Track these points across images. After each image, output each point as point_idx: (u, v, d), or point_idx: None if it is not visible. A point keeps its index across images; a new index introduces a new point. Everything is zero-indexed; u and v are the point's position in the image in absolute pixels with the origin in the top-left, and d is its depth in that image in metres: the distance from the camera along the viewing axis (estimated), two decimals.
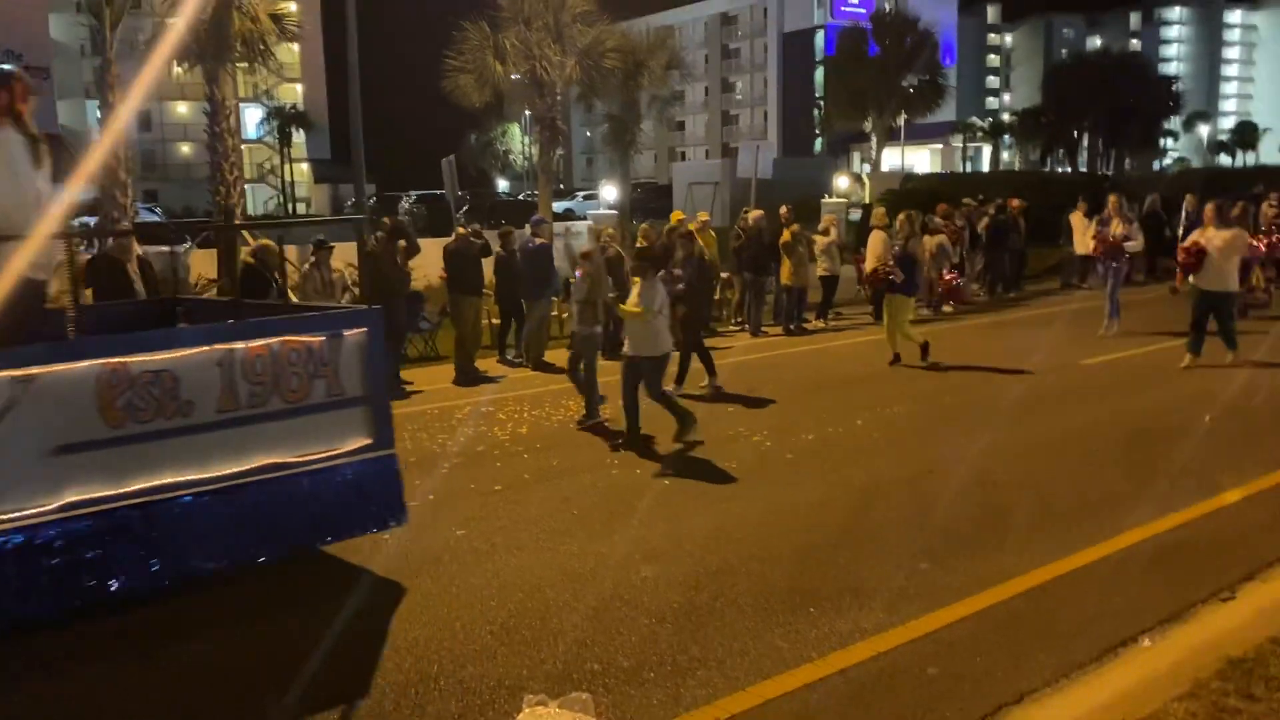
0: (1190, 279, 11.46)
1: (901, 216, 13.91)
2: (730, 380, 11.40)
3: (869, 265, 15.93)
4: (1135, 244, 14.26)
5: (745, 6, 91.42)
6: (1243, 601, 5.06)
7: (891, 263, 12.58)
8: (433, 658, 4.73)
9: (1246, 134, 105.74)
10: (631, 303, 8.75)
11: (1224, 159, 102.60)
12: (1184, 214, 18.93)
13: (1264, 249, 15.96)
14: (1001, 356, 12.54)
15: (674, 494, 7.32)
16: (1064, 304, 17.66)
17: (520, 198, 52.97)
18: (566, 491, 7.44)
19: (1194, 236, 11.73)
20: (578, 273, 9.94)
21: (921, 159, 74.75)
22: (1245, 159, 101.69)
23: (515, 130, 72.84)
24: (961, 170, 72.18)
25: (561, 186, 60.01)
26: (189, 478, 5.18)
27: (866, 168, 58.82)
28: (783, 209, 16.87)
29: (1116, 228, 14.30)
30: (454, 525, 6.69)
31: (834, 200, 33.47)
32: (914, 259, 12.70)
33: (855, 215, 30.15)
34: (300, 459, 5.54)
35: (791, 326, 15.85)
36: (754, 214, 16.40)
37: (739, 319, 16.42)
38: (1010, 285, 19.59)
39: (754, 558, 5.89)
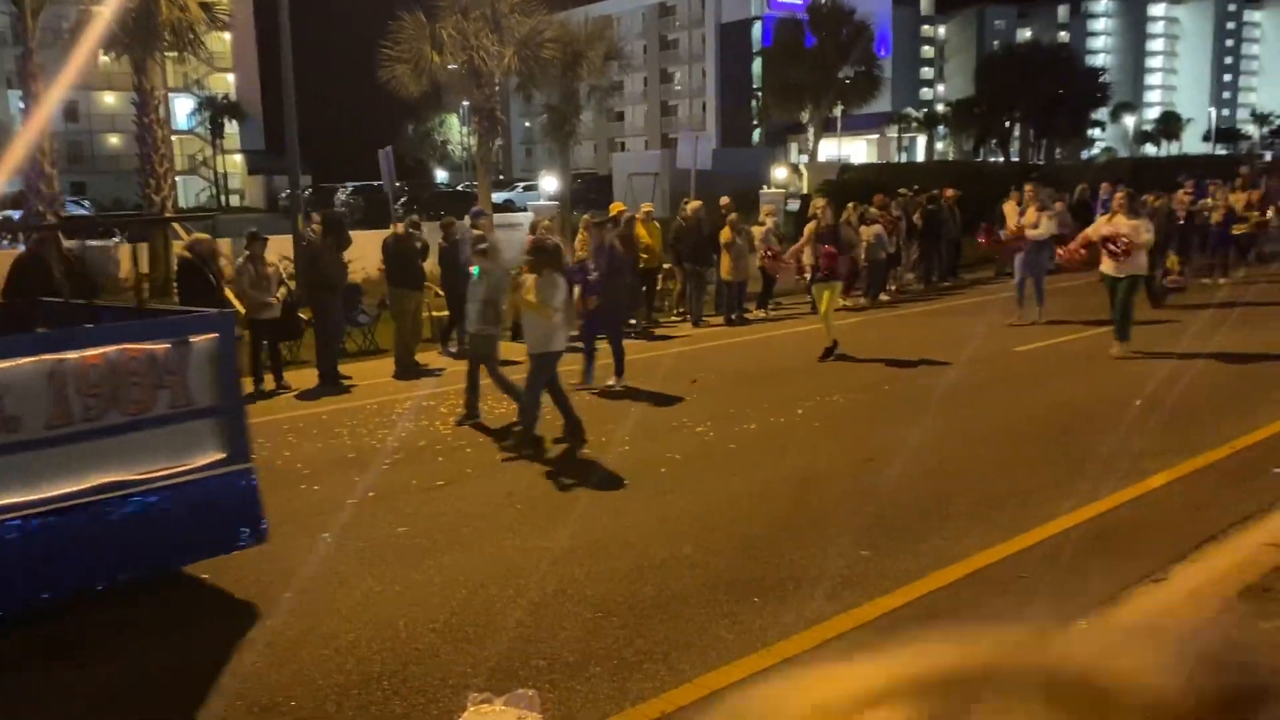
0: (1101, 267, 11.61)
1: (820, 203, 13.76)
2: (672, 371, 11.43)
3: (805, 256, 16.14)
4: (1038, 231, 14.11)
5: None
6: (1174, 583, 5.21)
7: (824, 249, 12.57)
8: (375, 657, 4.68)
9: (1170, 124, 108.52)
10: (528, 295, 8.44)
11: (1149, 149, 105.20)
12: (1099, 202, 19.44)
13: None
14: (937, 345, 12.72)
15: (616, 486, 7.32)
16: (998, 292, 17.95)
17: (459, 189, 52.50)
18: (509, 485, 7.40)
19: (1100, 224, 11.92)
20: (473, 269, 9.36)
21: (858, 149, 75.55)
22: (1169, 149, 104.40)
23: (453, 121, 72.15)
24: (897, 161, 73.11)
25: (501, 177, 59.60)
26: (16, 500, 4.78)
27: (804, 158, 59.27)
28: (723, 200, 16.96)
29: (1031, 216, 14.37)
30: (396, 522, 6.61)
31: (772, 190, 33.70)
32: (849, 242, 12.66)
33: (794, 205, 30.38)
34: (143, 476, 5.16)
35: (733, 317, 15.93)
36: (693, 205, 16.46)
37: (680, 310, 16.47)
38: (946, 274, 19.89)
39: (698, 548, 5.91)
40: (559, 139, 27.18)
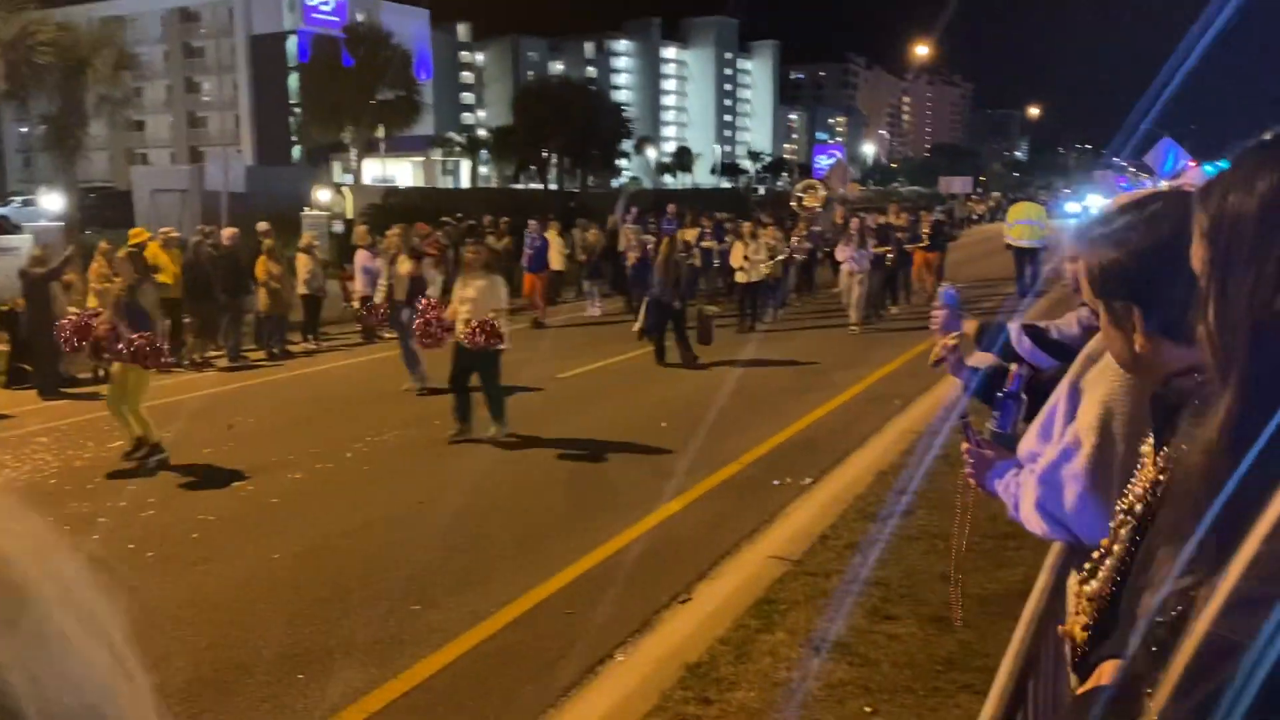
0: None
1: (120, 254, 10.12)
2: (204, 416, 10.55)
3: (358, 288, 15.77)
4: (434, 289, 12.09)
5: (208, 4, 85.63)
6: (698, 602, 5.69)
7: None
8: None
9: (684, 158, 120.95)
10: None
11: (668, 179, 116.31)
12: (665, 223, 21.19)
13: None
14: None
15: (138, 561, 6.55)
16: (552, 316, 18.74)
17: None
18: None
19: (456, 291, 9.75)
20: None
21: (403, 171, 75.48)
22: (684, 180, 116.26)
23: None
24: (442, 185, 74.08)
25: None
26: None
27: (349, 178, 58.09)
28: (261, 225, 16.06)
29: (404, 266, 11.95)
30: None
31: (315, 213, 32.52)
32: (140, 310, 8.93)
33: (339, 228, 29.59)
34: None
35: (275, 350, 15.09)
36: (227, 232, 15.42)
37: (217, 346, 15.20)
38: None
39: (235, 625, 5.46)
40: (62, 152, 24.08)
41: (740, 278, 16.65)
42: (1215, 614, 0.87)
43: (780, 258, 17.99)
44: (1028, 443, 2.30)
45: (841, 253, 16.99)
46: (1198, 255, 1.05)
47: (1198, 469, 0.98)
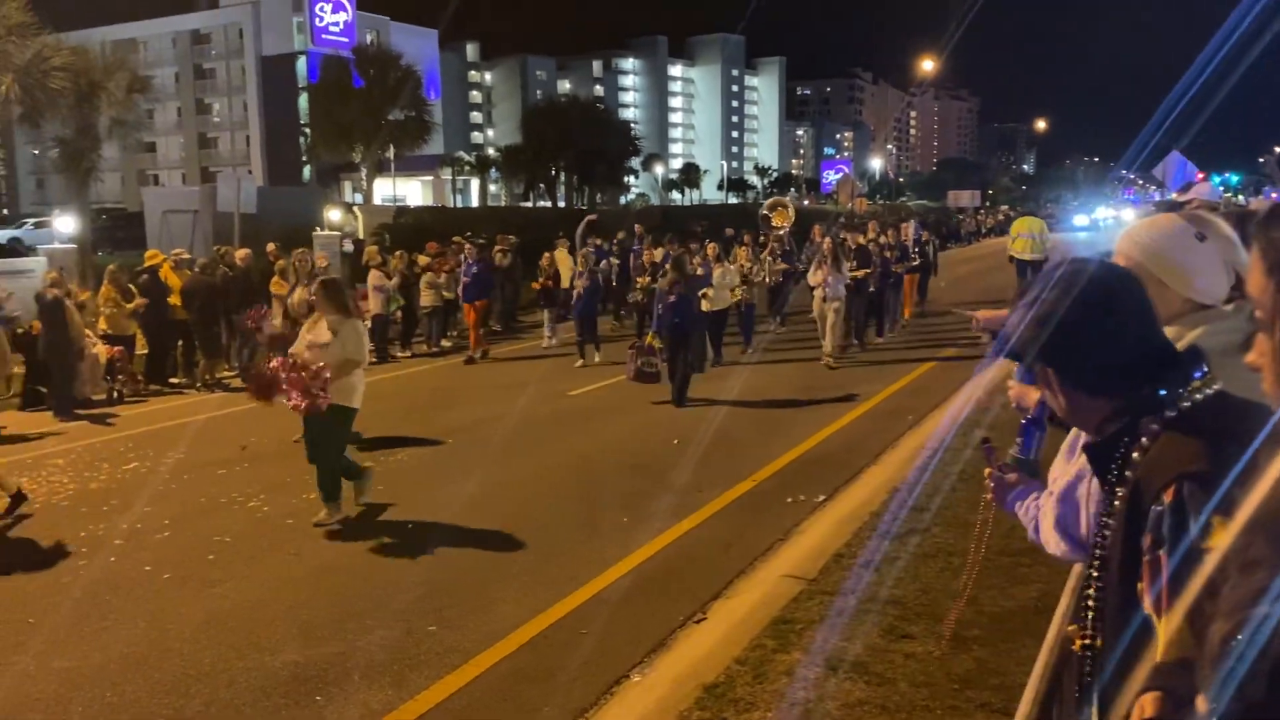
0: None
1: None
2: (217, 437, 10.59)
3: (372, 307, 15.65)
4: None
5: (219, 26, 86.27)
6: (713, 621, 5.68)
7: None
8: None
9: (691, 174, 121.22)
10: None
11: (676, 196, 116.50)
12: (635, 249, 21.00)
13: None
14: (493, 392, 13.02)
15: (155, 583, 6.58)
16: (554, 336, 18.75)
17: None
18: (12, 596, 6.38)
19: (304, 332, 8.02)
20: None
21: (414, 190, 75.76)
22: (691, 196, 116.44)
23: None
24: (452, 203, 74.33)
25: (4, 212, 52.17)
26: None
27: (359, 198, 58.35)
28: (269, 246, 16.16)
29: (299, 294, 10.65)
30: None
31: (326, 233, 32.65)
32: None
33: (349, 247, 29.71)
34: None
35: None
36: (240, 253, 15.54)
37: (230, 366, 15.30)
38: (506, 319, 20.40)
39: (252, 647, 5.47)
40: (75, 175, 24.25)
41: (704, 305, 13.59)
42: None
43: (755, 281, 16.80)
44: (1058, 465, 2.31)
45: (814, 277, 14.65)
46: (1262, 287, 1.05)
47: None
